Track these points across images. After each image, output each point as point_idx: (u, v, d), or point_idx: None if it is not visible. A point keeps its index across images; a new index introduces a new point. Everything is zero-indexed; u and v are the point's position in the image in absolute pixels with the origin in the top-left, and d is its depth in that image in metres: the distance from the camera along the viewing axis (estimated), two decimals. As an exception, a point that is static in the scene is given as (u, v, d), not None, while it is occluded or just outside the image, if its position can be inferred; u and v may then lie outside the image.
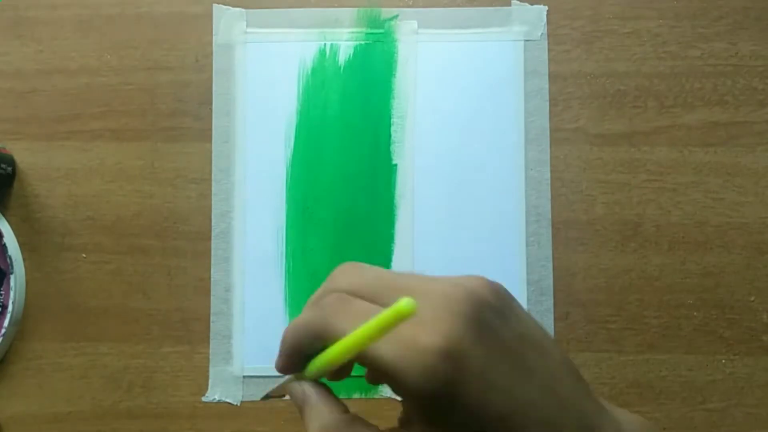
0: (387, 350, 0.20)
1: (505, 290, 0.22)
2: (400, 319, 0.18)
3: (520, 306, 0.22)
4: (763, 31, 0.41)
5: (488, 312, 0.21)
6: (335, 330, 0.21)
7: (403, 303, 0.17)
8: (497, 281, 0.22)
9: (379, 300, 0.21)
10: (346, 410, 0.23)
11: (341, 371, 0.24)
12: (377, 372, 0.21)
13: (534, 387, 0.21)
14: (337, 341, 0.20)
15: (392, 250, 0.41)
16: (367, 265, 0.23)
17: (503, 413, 0.20)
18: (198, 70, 0.43)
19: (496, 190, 0.41)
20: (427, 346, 0.19)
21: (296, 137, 0.42)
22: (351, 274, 0.22)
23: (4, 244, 0.41)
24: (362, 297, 0.21)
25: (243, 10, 0.43)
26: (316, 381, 0.23)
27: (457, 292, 0.20)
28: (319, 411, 0.23)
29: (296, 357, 0.23)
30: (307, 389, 0.23)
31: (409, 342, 0.19)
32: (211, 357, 0.41)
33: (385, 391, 0.40)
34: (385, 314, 0.18)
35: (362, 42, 0.42)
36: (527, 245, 0.41)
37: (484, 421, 0.20)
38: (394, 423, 0.41)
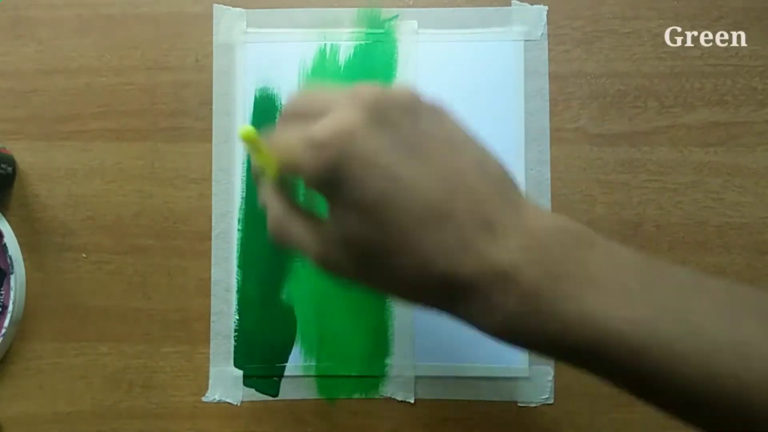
0: (295, 148, 0.23)
1: (433, 100, 0.25)
2: (244, 140, 0.25)
3: (451, 116, 0.25)
4: (764, 31, 0.41)
5: (393, 107, 0.23)
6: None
7: (240, 129, 0.25)
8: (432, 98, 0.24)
9: (309, 114, 0.24)
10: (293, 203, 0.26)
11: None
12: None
13: (426, 173, 0.22)
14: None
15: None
16: (317, 88, 0.26)
17: (385, 190, 0.22)
18: (198, 70, 0.43)
19: (497, 190, 0.41)
20: (318, 137, 0.22)
21: (296, 137, 0.42)
22: (299, 95, 0.26)
23: (4, 244, 0.41)
24: (299, 113, 0.25)
25: (243, 10, 0.43)
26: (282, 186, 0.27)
27: (368, 91, 0.23)
28: (272, 204, 0.26)
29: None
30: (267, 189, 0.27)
31: (308, 136, 0.22)
32: (211, 357, 0.41)
33: (385, 391, 0.40)
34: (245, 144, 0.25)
35: (362, 42, 0.42)
36: (527, 245, 0.41)
37: (368, 195, 0.22)
38: (393, 423, 0.41)
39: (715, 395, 0.20)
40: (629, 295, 0.21)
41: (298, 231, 0.25)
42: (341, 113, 0.22)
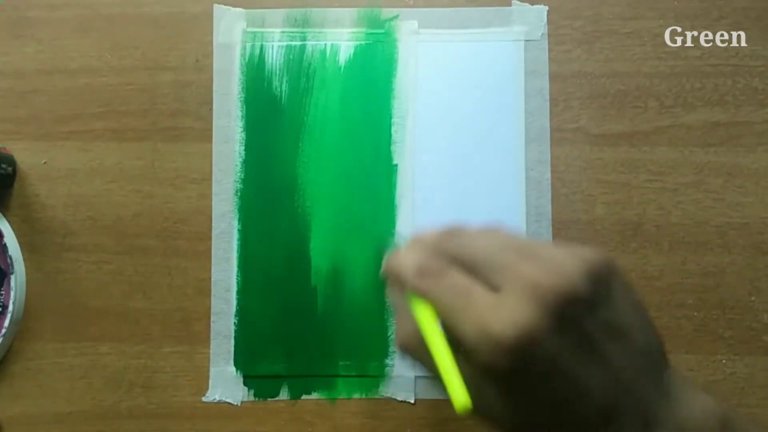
0: (465, 328, 0.22)
1: (609, 269, 0.23)
2: (453, 403, 0.22)
3: (621, 285, 0.23)
4: (764, 31, 0.41)
5: (575, 304, 0.22)
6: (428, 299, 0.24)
7: (457, 403, 0.22)
8: (609, 256, 0.23)
9: (477, 274, 0.23)
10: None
11: None
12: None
13: (600, 375, 0.22)
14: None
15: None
16: (491, 231, 0.25)
17: (563, 398, 0.22)
18: (198, 70, 0.43)
19: (497, 190, 0.41)
20: (498, 334, 0.21)
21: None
22: (468, 238, 0.25)
23: (5, 244, 0.41)
24: (463, 264, 0.24)
25: (243, 10, 0.43)
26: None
27: (548, 281, 0.21)
28: (403, 319, 0.26)
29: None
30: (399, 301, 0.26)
31: (484, 325, 0.21)
32: (211, 357, 0.41)
33: (386, 391, 0.40)
34: (447, 380, 0.22)
35: (362, 42, 0.42)
36: (527, 245, 0.41)
37: (546, 403, 0.22)
38: (394, 423, 0.41)
39: None
40: None
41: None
42: (521, 310, 0.21)
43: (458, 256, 0.24)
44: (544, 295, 0.21)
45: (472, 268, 0.23)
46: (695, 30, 0.41)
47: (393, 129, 0.41)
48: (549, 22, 0.42)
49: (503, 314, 0.21)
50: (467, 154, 0.41)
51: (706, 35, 0.41)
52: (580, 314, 0.22)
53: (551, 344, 0.21)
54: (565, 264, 0.22)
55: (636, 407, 0.22)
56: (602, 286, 0.22)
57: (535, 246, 0.23)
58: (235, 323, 0.41)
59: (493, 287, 0.22)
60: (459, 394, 0.22)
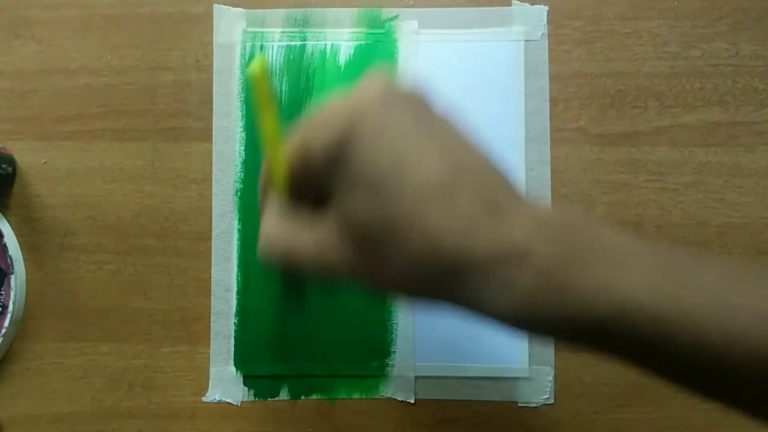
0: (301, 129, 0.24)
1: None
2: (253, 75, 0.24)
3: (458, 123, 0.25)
4: (764, 31, 0.41)
5: (408, 93, 0.23)
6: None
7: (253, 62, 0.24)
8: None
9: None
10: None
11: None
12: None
13: (435, 153, 0.22)
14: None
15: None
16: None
17: (393, 162, 0.22)
18: (198, 70, 0.43)
19: (497, 190, 0.41)
20: (330, 107, 0.23)
21: (296, 137, 0.42)
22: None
23: (5, 244, 0.41)
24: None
25: (243, 10, 0.43)
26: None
27: (384, 76, 0.23)
28: (269, 209, 0.26)
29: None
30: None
31: (322, 114, 0.23)
32: (211, 357, 0.41)
33: (386, 391, 0.40)
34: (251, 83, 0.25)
35: (362, 42, 0.42)
36: (527, 245, 0.41)
37: (375, 167, 0.22)
38: (394, 423, 0.41)
39: (739, 358, 0.20)
40: (644, 266, 0.21)
41: (295, 232, 0.25)
42: (356, 92, 0.23)
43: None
44: (379, 80, 0.23)
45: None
46: (695, 30, 0.41)
47: (393, 129, 0.41)
48: (549, 22, 0.42)
49: (343, 101, 0.23)
50: (467, 154, 0.41)
51: (706, 35, 0.41)
52: (414, 102, 0.23)
53: (381, 112, 0.23)
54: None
55: (482, 194, 0.22)
56: (438, 106, 0.24)
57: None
58: (235, 323, 0.41)
59: None
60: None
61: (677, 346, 0.20)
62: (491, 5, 0.42)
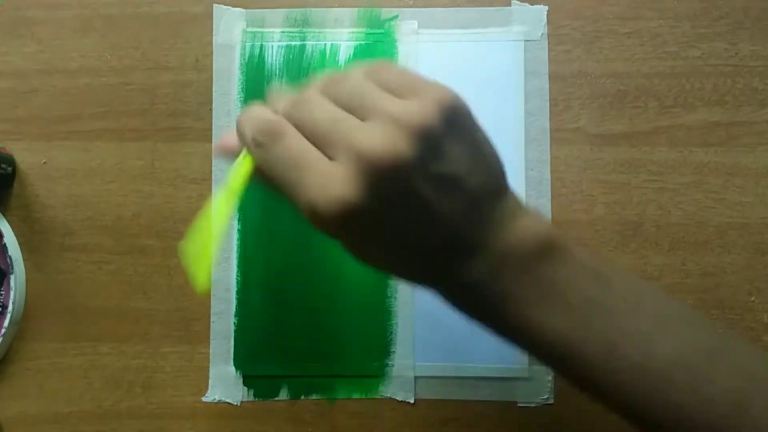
0: (305, 194, 0.23)
1: (456, 108, 0.24)
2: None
3: (459, 128, 0.24)
4: (763, 31, 0.41)
5: (402, 171, 0.22)
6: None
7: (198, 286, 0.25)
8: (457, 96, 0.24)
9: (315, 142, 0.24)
10: None
11: None
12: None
13: (430, 223, 0.24)
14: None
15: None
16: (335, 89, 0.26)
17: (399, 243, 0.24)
18: (198, 70, 0.43)
19: (497, 190, 0.41)
20: (322, 211, 0.22)
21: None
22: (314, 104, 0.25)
23: (4, 244, 0.41)
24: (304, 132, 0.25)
25: (243, 10, 0.43)
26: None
27: (374, 150, 0.22)
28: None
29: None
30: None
31: (312, 202, 0.23)
32: (211, 357, 0.41)
33: (385, 391, 0.40)
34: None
35: (362, 42, 0.42)
36: (527, 245, 0.41)
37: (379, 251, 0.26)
38: (393, 423, 0.41)
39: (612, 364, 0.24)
40: (567, 308, 0.24)
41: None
42: (347, 184, 0.22)
43: (300, 122, 0.24)
44: (369, 166, 0.22)
45: (311, 135, 0.24)
46: (695, 30, 0.41)
47: (393, 129, 0.41)
48: (549, 22, 0.42)
49: (330, 190, 0.22)
50: (467, 154, 0.41)
51: (706, 35, 0.41)
52: (407, 177, 0.23)
53: (375, 215, 0.23)
54: (392, 133, 0.22)
55: (462, 242, 0.24)
56: (432, 141, 0.23)
57: (371, 106, 0.23)
58: (234, 323, 0.41)
59: (330, 156, 0.23)
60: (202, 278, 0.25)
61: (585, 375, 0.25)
62: (491, 5, 0.42)
